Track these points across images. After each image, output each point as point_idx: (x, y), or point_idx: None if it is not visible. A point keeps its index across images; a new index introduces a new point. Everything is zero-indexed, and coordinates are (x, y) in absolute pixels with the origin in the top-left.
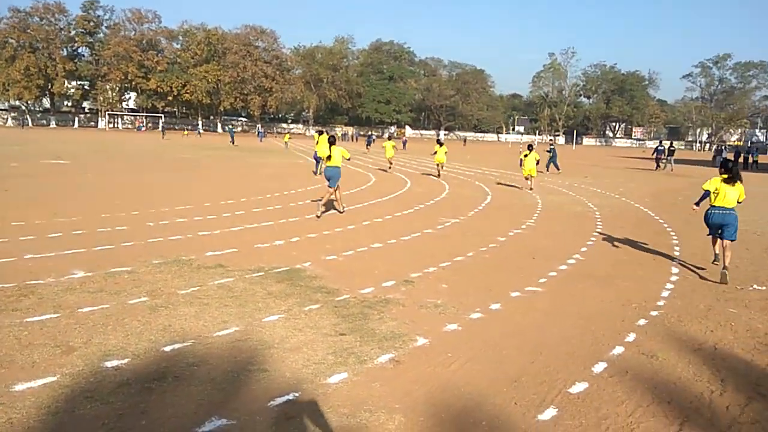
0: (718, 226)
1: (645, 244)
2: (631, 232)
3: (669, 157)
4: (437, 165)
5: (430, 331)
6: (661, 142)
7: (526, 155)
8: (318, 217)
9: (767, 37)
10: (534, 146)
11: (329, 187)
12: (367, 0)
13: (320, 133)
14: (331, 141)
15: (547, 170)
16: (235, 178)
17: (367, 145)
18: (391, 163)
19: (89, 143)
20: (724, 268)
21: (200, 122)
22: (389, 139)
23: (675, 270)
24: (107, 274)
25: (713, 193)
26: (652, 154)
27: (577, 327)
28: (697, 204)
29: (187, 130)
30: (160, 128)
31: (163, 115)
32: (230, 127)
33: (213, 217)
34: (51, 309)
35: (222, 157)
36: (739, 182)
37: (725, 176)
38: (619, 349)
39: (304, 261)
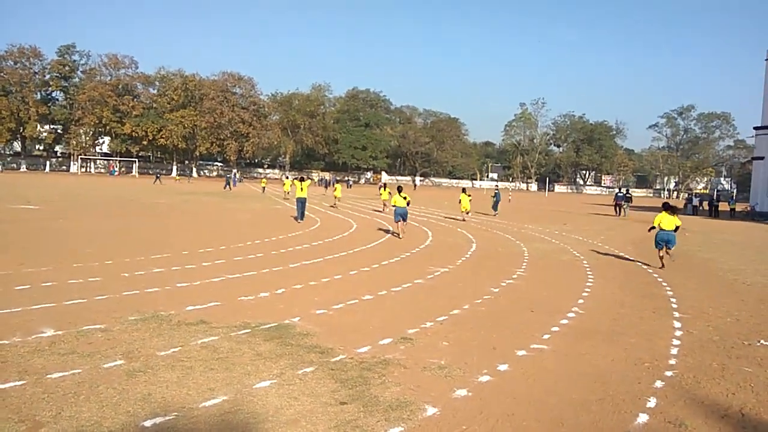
0: (665, 241)
1: (641, 295)
2: (623, 283)
3: (626, 204)
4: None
5: (438, 398)
6: (619, 189)
7: (469, 196)
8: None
9: (728, 88)
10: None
11: (401, 221)
12: (344, 49)
13: (301, 180)
14: (399, 189)
15: (495, 211)
16: (212, 224)
17: (325, 187)
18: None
19: (61, 187)
20: (662, 265)
21: (174, 167)
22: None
23: (677, 324)
24: (79, 332)
25: (659, 223)
26: (613, 200)
27: (594, 391)
28: (650, 230)
29: (179, 176)
30: (155, 174)
31: (137, 160)
32: (229, 174)
33: (192, 267)
34: (16, 375)
35: (198, 202)
36: (675, 215)
37: (667, 211)
38: (643, 417)
39: (292, 315)
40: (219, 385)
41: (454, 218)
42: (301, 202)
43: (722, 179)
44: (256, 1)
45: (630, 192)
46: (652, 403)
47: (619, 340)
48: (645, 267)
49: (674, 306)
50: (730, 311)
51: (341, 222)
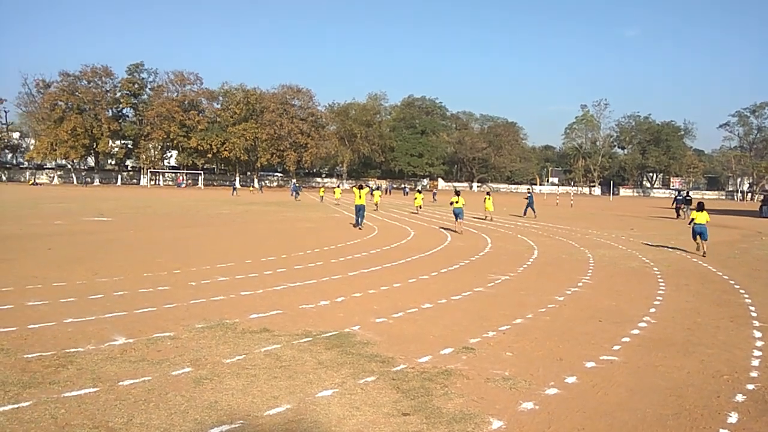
0: (699, 232)
1: (716, 304)
2: (697, 291)
3: (687, 206)
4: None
5: (503, 410)
6: (679, 192)
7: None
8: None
9: None
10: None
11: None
12: (399, 57)
13: (360, 187)
14: (457, 192)
15: (524, 215)
16: (273, 233)
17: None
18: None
19: (131, 200)
20: (704, 253)
21: (237, 178)
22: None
23: (758, 334)
24: (149, 340)
25: (695, 218)
26: (672, 203)
27: (669, 405)
28: (690, 223)
29: (253, 187)
30: (232, 186)
31: (202, 172)
32: (295, 183)
33: (255, 275)
34: (90, 382)
35: (259, 212)
36: (705, 212)
37: (700, 210)
38: None
39: (352, 324)
40: (282, 394)
41: (480, 219)
42: (360, 209)
43: None
44: (313, 14)
45: (690, 194)
46: (733, 418)
47: (694, 351)
48: (720, 273)
49: (753, 314)
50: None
51: (399, 230)
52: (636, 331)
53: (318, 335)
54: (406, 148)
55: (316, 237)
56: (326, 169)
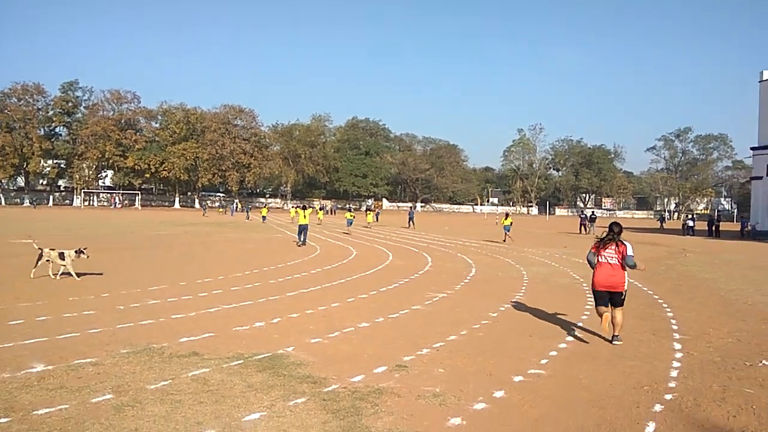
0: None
1: (640, 318)
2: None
3: (591, 224)
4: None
5: (431, 426)
6: (583, 211)
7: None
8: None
9: (724, 110)
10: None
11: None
12: (344, 79)
13: (303, 208)
14: (368, 209)
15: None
16: (212, 254)
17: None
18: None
19: (62, 221)
20: None
21: (177, 198)
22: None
23: (677, 345)
24: (69, 366)
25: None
26: (579, 221)
27: (592, 416)
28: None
29: (222, 209)
30: (202, 207)
31: (140, 192)
32: (248, 205)
33: (188, 298)
34: (2, 412)
35: (199, 233)
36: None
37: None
38: None
39: (286, 345)
40: (207, 419)
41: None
42: (303, 228)
43: (722, 199)
44: (255, 36)
45: (594, 213)
46: (650, 428)
47: (618, 363)
48: (645, 289)
49: (674, 327)
50: (731, 332)
51: (341, 249)
52: (563, 345)
53: (249, 357)
54: (351, 169)
55: (257, 257)
56: (270, 189)
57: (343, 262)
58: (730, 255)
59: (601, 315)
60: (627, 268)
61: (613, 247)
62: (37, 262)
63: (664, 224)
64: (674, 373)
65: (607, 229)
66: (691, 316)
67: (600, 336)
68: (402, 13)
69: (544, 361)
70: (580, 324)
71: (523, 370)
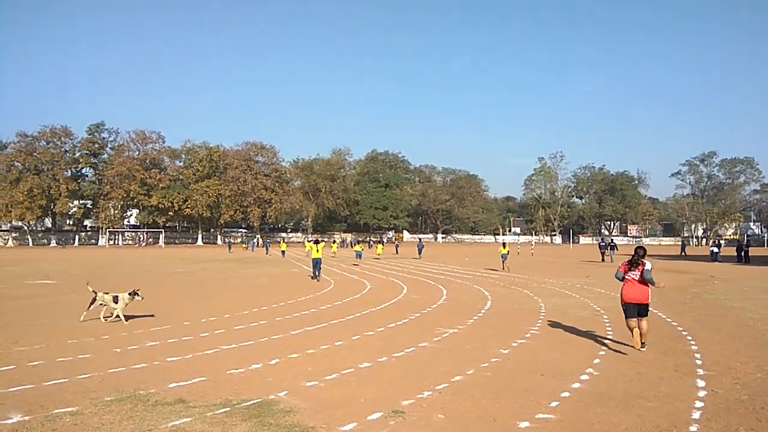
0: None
1: (662, 352)
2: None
3: (612, 252)
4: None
5: None
6: (603, 239)
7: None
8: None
9: (750, 133)
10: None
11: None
12: (362, 113)
13: (316, 242)
14: (359, 243)
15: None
16: (223, 291)
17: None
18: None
19: (84, 261)
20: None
21: (200, 235)
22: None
23: (701, 383)
24: (47, 417)
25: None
26: (599, 249)
27: None
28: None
29: (245, 244)
30: (227, 244)
31: (163, 230)
32: (259, 238)
33: (188, 339)
34: None
35: (215, 270)
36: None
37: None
38: None
39: (279, 389)
40: None
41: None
42: (317, 262)
43: (752, 224)
44: (276, 72)
45: (614, 241)
46: None
47: (634, 404)
48: (669, 320)
49: (698, 362)
50: (760, 366)
51: (355, 283)
52: (576, 385)
53: (238, 404)
54: (371, 202)
55: (268, 294)
56: (291, 223)
57: (355, 297)
58: (759, 282)
59: (631, 329)
60: (648, 284)
61: (639, 267)
62: (89, 306)
63: (685, 251)
64: (696, 415)
65: (633, 253)
66: (717, 349)
67: (616, 375)
68: (420, 45)
69: (554, 404)
70: (597, 361)
71: (530, 414)
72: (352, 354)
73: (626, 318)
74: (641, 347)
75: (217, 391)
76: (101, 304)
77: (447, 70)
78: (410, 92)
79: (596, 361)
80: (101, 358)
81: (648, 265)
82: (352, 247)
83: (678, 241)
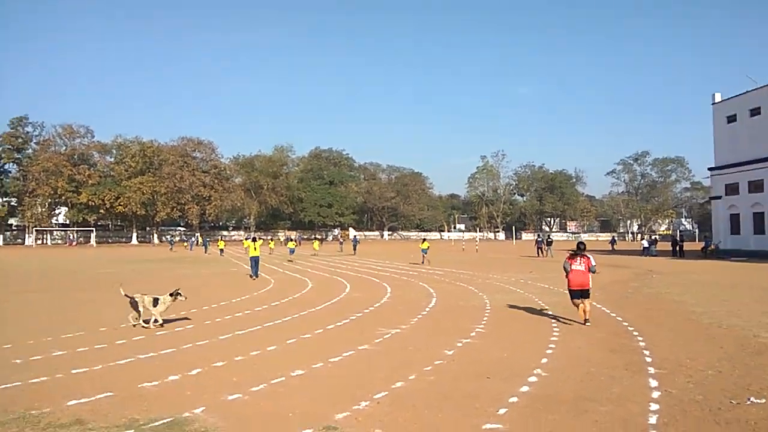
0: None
1: (610, 349)
2: (591, 336)
3: (548, 247)
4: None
5: None
6: (539, 235)
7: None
8: None
9: (681, 133)
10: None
11: None
12: (305, 110)
13: (254, 240)
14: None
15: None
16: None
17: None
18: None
19: (3, 262)
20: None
21: (135, 234)
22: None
23: (653, 382)
24: None
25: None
26: (534, 244)
27: None
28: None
29: (185, 243)
30: (170, 242)
31: (95, 229)
32: (207, 238)
33: (102, 347)
34: None
35: (148, 270)
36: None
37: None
38: None
39: (197, 405)
40: None
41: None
42: (255, 261)
43: (683, 220)
44: (213, 67)
45: (551, 237)
46: None
47: (587, 409)
48: (613, 315)
49: (648, 360)
50: (710, 362)
51: (296, 281)
52: (525, 388)
53: (144, 425)
54: (315, 199)
55: (201, 295)
56: (233, 221)
57: (294, 296)
58: (696, 275)
59: (576, 306)
60: (591, 273)
61: (581, 258)
62: (137, 311)
63: (615, 246)
64: (653, 419)
65: (576, 247)
66: (665, 345)
67: (566, 376)
68: (362, 43)
69: (502, 411)
70: (544, 360)
71: (477, 425)
72: (284, 360)
73: (572, 299)
74: (586, 323)
75: (123, 408)
76: (133, 306)
77: (389, 69)
78: (353, 89)
79: (544, 360)
80: None
81: (593, 261)
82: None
83: (615, 236)
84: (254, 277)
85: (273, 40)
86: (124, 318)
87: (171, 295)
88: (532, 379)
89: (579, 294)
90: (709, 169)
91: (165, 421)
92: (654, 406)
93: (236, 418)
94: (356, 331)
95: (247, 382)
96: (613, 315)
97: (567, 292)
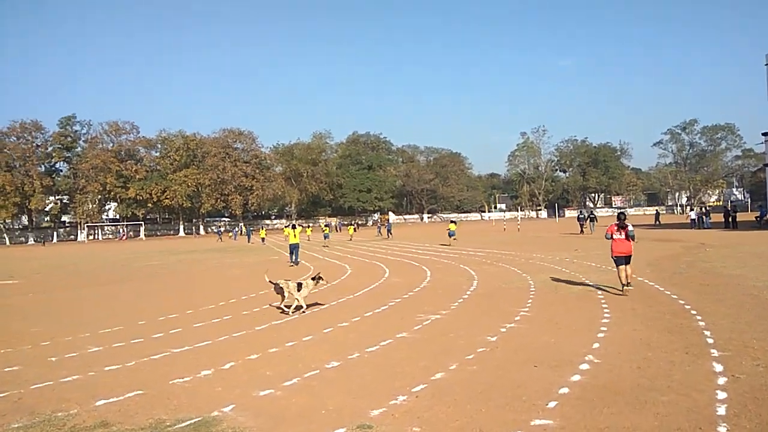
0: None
1: (667, 330)
2: (645, 315)
3: (591, 223)
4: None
5: None
6: (581, 211)
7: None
8: None
9: (729, 99)
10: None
11: None
12: (342, 95)
13: (293, 227)
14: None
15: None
16: (194, 285)
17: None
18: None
19: (58, 258)
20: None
21: (182, 226)
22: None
23: (718, 367)
24: None
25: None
26: (577, 221)
27: None
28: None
29: (230, 233)
30: (217, 233)
31: (144, 222)
32: (250, 227)
33: (138, 341)
34: None
35: (192, 261)
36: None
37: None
38: None
39: (226, 402)
40: None
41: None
42: (294, 248)
43: (735, 189)
44: (250, 57)
45: (593, 213)
46: None
47: (647, 400)
48: (668, 292)
49: (709, 341)
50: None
51: (335, 268)
52: (576, 377)
53: (170, 426)
54: (354, 184)
55: (240, 285)
56: (275, 210)
57: (333, 283)
58: (751, 247)
59: (620, 273)
60: (631, 238)
61: (622, 228)
62: (282, 296)
63: (659, 220)
64: (721, 409)
65: (617, 218)
66: (727, 324)
67: (621, 363)
68: (397, 25)
69: (552, 404)
70: (596, 345)
71: (525, 420)
72: (320, 351)
73: (617, 266)
74: (628, 285)
75: (151, 407)
76: (278, 292)
77: (424, 49)
78: (389, 72)
79: (595, 345)
80: (30, 370)
81: (630, 227)
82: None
83: (663, 210)
84: (293, 265)
85: (304, 27)
86: (165, 309)
87: (313, 279)
88: (584, 366)
89: (624, 260)
90: (764, 133)
91: (192, 421)
92: (721, 394)
93: (266, 416)
94: (395, 317)
95: (281, 375)
96: (667, 292)
97: (613, 260)
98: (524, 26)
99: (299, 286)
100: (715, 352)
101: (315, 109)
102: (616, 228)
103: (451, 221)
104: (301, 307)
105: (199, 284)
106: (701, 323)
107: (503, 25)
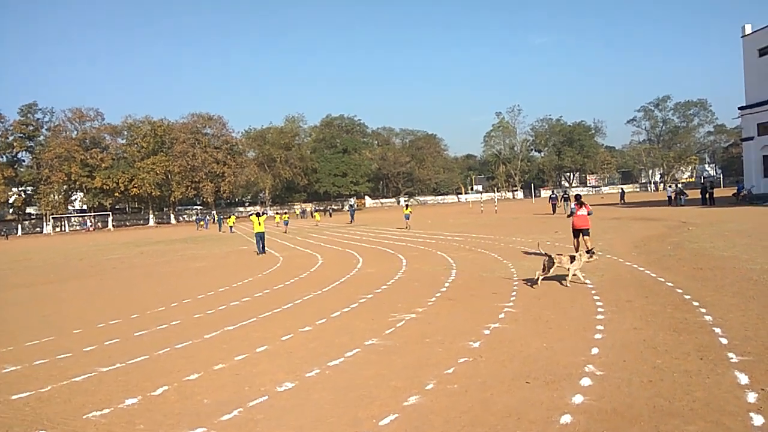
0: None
1: (672, 329)
2: (644, 310)
3: (566, 203)
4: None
5: None
6: (553, 191)
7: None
8: None
9: (701, 75)
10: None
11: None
12: (315, 79)
13: (258, 215)
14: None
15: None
16: (149, 282)
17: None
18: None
19: (14, 253)
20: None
21: (152, 215)
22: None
23: (742, 378)
24: None
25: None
26: (549, 201)
27: None
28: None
29: (203, 221)
30: (196, 222)
31: (112, 213)
32: (222, 215)
33: (66, 356)
34: None
35: (155, 253)
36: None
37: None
38: None
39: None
40: None
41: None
42: (260, 237)
43: (707, 166)
44: (220, 42)
45: (567, 192)
46: None
47: (672, 429)
48: (661, 279)
49: (723, 341)
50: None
51: (306, 258)
52: (579, 398)
53: None
54: (329, 169)
55: (200, 280)
56: (249, 197)
57: (301, 276)
58: (735, 224)
59: (577, 244)
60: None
61: (582, 206)
62: (548, 269)
63: (624, 199)
64: (760, 422)
65: (574, 198)
66: (736, 316)
67: (629, 374)
68: (370, 7)
69: None
70: (595, 350)
71: None
72: (273, 367)
73: (574, 238)
74: (588, 252)
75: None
76: (548, 265)
77: (397, 30)
78: (361, 54)
79: (594, 350)
80: None
81: (588, 207)
82: (312, 216)
83: (636, 188)
84: (261, 254)
85: (273, 10)
86: (108, 315)
87: (587, 252)
88: (585, 381)
89: (579, 233)
90: (740, 108)
91: None
92: (757, 419)
93: None
94: (365, 318)
95: (219, 405)
96: (661, 279)
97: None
98: (498, 4)
99: (572, 258)
100: (733, 357)
101: (287, 92)
102: (577, 205)
103: (406, 205)
104: (576, 275)
105: (155, 281)
106: (708, 318)
107: (477, 5)
